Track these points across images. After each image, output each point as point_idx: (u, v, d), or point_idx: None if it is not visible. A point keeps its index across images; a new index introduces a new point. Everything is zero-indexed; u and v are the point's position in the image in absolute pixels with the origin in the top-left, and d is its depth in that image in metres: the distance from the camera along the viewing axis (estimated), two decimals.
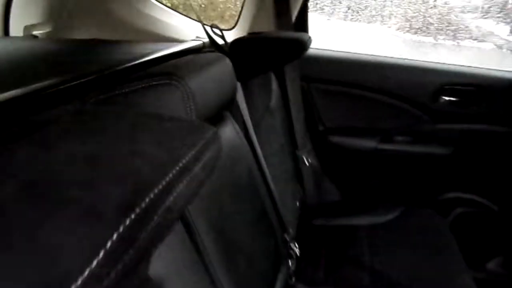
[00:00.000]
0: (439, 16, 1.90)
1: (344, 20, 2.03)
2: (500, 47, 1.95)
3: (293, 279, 1.00)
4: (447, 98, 1.39)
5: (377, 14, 2.05)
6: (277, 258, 0.93)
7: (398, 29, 2.14)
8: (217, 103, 0.71)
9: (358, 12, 1.99)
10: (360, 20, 2.02)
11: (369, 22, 2.05)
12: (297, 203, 1.26)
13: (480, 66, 1.42)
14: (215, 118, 0.76)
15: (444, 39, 1.94)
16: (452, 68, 1.42)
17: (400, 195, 1.52)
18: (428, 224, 1.30)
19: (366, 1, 2.01)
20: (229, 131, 0.81)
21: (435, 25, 1.95)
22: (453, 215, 1.50)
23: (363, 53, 1.47)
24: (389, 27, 2.21)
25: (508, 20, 1.88)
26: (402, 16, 2.10)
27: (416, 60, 1.44)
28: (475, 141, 1.41)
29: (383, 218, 1.32)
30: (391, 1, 2.03)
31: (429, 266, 1.10)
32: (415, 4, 1.98)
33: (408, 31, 2.05)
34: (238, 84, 0.88)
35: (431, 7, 1.97)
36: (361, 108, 1.45)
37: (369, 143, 1.47)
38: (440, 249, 1.16)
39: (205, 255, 0.62)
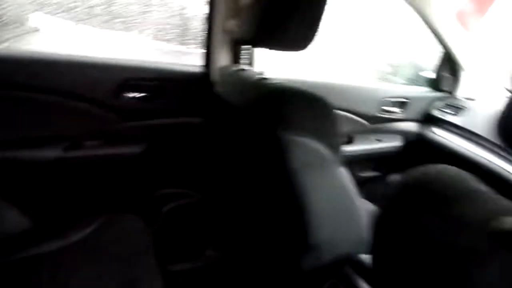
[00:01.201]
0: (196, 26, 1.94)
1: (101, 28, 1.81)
2: None
3: None
4: (131, 95, 1.33)
5: (133, 24, 1.91)
6: None
7: (154, 38, 2.07)
8: None
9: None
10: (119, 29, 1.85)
11: (127, 31, 1.89)
12: None
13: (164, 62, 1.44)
14: None
15: (196, 47, 1.97)
16: (134, 63, 1.37)
17: (100, 204, 1.39)
18: (127, 232, 1.21)
19: (125, 11, 1.84)
20: None
21: (189, 35, 2.00)
22: (164, 212, 1.49)
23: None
24: (147, 36, 2.07)
25: None
26: (157, 26, 2.02)
27: (94, 57, 1.31)
28: (168, 135, 1.42)
29: (76, 236, 1.15)
30: (144, 12, 1.93)
31: (116, 281, 1.00)
32: (172, 17, 1.94)
33: (167, 40, 2.02)
34: None
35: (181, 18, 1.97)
36: (32, 114, 1.22)
37: (51, 153, 1.26)
38: (131, 258, 1.09)
39: None
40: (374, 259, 0.55)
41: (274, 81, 0.97)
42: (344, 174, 0.94)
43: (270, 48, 0.92)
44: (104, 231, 1.19)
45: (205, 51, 1.38)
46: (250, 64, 1.35)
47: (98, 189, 1.38)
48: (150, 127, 1.38)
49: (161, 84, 1.36)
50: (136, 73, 1.33)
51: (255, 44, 0.96)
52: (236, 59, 1.35)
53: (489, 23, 1.82)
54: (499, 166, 1.51)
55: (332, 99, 0.89)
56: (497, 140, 1.54)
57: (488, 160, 1.56)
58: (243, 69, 1.17)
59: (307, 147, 0.86)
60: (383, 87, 1.83)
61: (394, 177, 2.00)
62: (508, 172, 1.48)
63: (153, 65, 1.37)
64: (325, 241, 0.94)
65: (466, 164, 1.64)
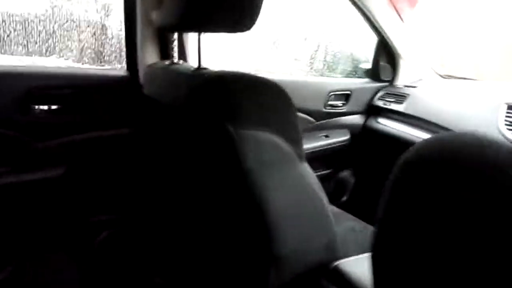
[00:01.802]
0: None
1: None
2: None
3: None
4: (42, 107, 1.11)
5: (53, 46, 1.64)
6: None
7: (74, 61, 1.82)
8: None
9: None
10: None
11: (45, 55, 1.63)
12: None
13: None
14: None
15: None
16: (42, 69, 1.15)
17: (16, 244, 1.13)
18: (50, 273, 0.98)
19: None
20: None
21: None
22: (97, 244, 1.26)
23: None
24: (66, 59, 1.83)
25: None
26: (79, 49, 1.77)
27: None
28: (91, 153, 1.20)
29: None
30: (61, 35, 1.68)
31: None
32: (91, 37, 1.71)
33: (85, 62, 1.77)
34: None
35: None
36: None
37: None
38: None
39: None
40: (385, 260, 0.42)
41: (214, 71, 0.82)
42: (308, 171, 0.82)
43: (204, 31, 0.77)
44: (20, 276, 0.95)
45: (127, 50, 1.19)
46: (183, 58, 1.19)
47: (9, 225, 1.12)
48: (69, 145, 1.16)
49: (79, 92, 1.15)
50: (45, 80, 1.10)
51: (186, 28, 0.81)
52: (165, 53, 1.18)
53: (422, 10, 1.85)
54: None
55: None
56: (441, 123, 1.53)
57: None
58: (175, 63, 1.00)
59: (263, 142, 0.72)
60: (327, 80, 1.77)
61: (345, 174, 1.94)
62: None
63: (66, 71, 1.16)
64: (293, 251, 0.80)
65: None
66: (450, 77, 1.86)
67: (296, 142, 0.77)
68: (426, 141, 0.42)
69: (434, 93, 1.67)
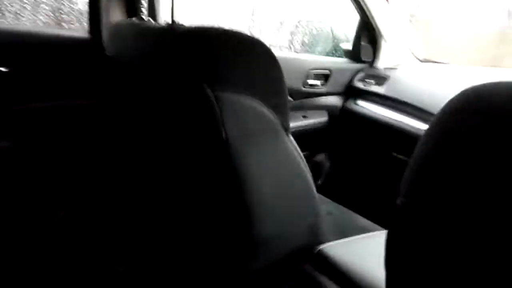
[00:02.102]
0: None
1: None
2: None
3: None
4: None
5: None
6: None
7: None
8: None
9: None
10: None
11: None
12: None
13: None
14: None
15: None
16: None
17: None
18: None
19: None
20: None
21: None
22: (50, 228, 1.13)
23: None
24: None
25: None
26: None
27: None
28: (45, 126, 1.06)
29: None
30: None
31: None
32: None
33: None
34: None
35: None
36: None
37: None
38: None
39: None
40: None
41: (190, 26, 0.71)
42: (294, 146, 0.73)
43: None
44: None
45: (90, 8, 1.05)
46: (153, 16, 1.06)
47: None
48: (19, 115, 1.01)
49: (31, 54, 1.00)
50: None
51: None
52: (133, 11, 1.04)
53: None
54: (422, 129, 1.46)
55: None
56: (421, 105, 1.49)
57: (414, 126, 1.51)
58: (144, 20, 0.88)
59: (245, 108, 0.63)
60: (307, 58, 1.69)
61: (321, 157, 1.88)
62: None
63: (16, 28, 1.01)
64: (275, 233, 0.72)
65: (393, 132, 1.58)
66: (428, 61, 1.82)
67: (283, 112, 0.69)
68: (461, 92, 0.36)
69: (414, 76, 1.63)
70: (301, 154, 0.76)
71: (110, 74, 0.92)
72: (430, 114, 1.45)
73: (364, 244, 0.82)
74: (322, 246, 0.76)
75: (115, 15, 1.03)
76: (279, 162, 0.69)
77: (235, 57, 0.62)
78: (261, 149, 0.66)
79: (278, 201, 0.71)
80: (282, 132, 0.68)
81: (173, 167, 0.77)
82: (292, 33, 1.86)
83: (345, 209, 1.39)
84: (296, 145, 0.73)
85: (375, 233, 0.88)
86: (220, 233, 0.73)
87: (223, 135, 0.61)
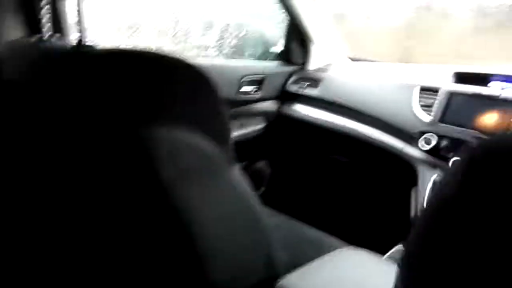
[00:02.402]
0: None
1: None
2: None
3: None
4: None
5: None
6: None
7: None
8: None
9: None
10: None
11: None
12: None
13: None
14: None
15: None
16: None
17: None
18: None
19: None
20: None
21: None
22: None
23: None
24: None
25: None
26: None
27: None
28: None
29: None
30: None
31: None
32: None
33: None
34: None
35: None
36: None
37: None
38: None
39: None
40: None
41: (103, 48, 0.59)
42: (239, 177, 0.65)
43: None
44: None
45: None
46: (60, 32, 0.90)
47: None
48: None
49: None
50: None
51: None
52: (34, 26, 0.87)
53: None
54: (363, 132, 1.47)
55: None
56: (354, 106, 1.50)
57: (350, 127, 1.51)
58: (46, 39, 0.74)
59: (184, 144, 0.53)
60: (239, 64, 1.61)
61: (261, 164, 1.82)
62: (372, 137, 1.44)
63: None
64: (228, 276, 0.64)
65: (330, 134, 1.57)
66: (359, 59, 1.85)
67: (223, 142, 0.60)
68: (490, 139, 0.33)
69: (347, 77, 1.63)
70: (247, 182, 0.68)
71: (6, 101, 0.76)
72: (363, 114, 1.47)
73: (323, 269, 0.77)
74: (281, 281, 0.69)
75: (12, 32, 0.85)
76: (224, 199, 0.61)
77: (163, 84, 0.52)
78: (204, 188, 0.57)
79: (227, 241, 0.62)
80: (226, 165, 0.60)
81: (105, 216, 0.64)
82: (221, 37, 1.77)
83: (291, 221, 1.35)
84: (240, 174, 0.66)
85: (330, 254, 0.84)
86: (168, 284, 0.63)
87: (161, 176, 0.51)
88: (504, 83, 1.25)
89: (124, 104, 0.49)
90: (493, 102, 1.17)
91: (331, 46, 1.76)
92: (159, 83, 0.51)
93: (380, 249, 1.25)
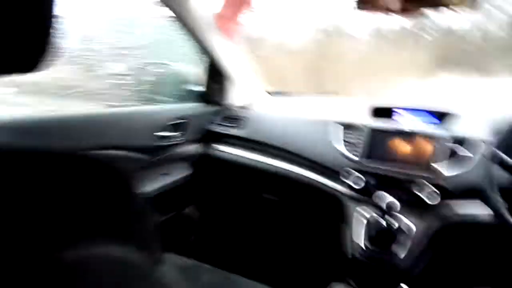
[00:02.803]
0: None
1: None
2: None
3: None
4: None
5: None
6: None
7: None
8: None
9: None
10: None
11: None
12: None
13: None
14: None
15: None
16: None
17: None
18: None
19: None
20: None
21: None
22: None
23: None
24: None
25: None
26: None
27: None
28: None
29: None
30: None
31: None
32: None
33: None
34: None
35: None
36: None
37: None
38: None
39: None
40: None
41: None
42: (167, 279, 0.57)
43: None
44: None
45: None
46: None
47: None
48: None
49: None
50: None
51: None
52: None
53: (246, 27, 1.77)
54: (291, 170, 1.46)
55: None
56: (280, 144, 1.49)
57: (276, 165, 1.50)
58: None
59: (101, 259, 0.44)
60: (157, 109, 1.52)
61: (189, 211, 1.73)
62: (300, 174, 1.44)
63: None
64: None
65: (258, 174, 1.55)
66: (278, 93, 1.86)
67: (145, 244, 0.51)
68: None
69: (270, 114, 1.63)
70: (178, 274, 0.60)
71: None
72: (289, 152, 1.46)
73: None
74: None
75: None
76: None
77: (77, 194, 0.42)
78: None
79: None
80: (151, 274, 0.52)
81: None
82: (136, 79, 1.66)
83: (226, 275, 1.28)
84: (172, 271, 0.57)
85: None
86: None
87: None
88: (415, 116, 1.34)
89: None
90: (411, 137, 1.24)
91: (251, 83, 1.75)
92: (67, 191, 0.41)
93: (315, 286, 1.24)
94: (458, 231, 1.16)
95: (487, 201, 0.94)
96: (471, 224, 1.12)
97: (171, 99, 1.72)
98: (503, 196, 0.93)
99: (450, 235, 1.17)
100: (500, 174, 0.98)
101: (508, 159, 0.96)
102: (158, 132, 1.42)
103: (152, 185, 1.38)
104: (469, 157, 1.14)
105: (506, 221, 0.88)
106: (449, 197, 1.13)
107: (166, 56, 1.77)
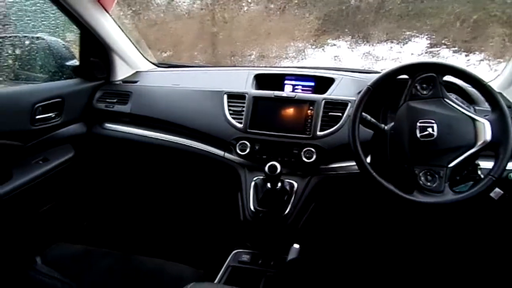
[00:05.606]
0: None
1: None
2: None
3: None
4: None
5: None
6: None
7: None
8: None
9: None
10: None
11: None
12: None
13: None
14: None
15: None
16: None
17: None
18: None
19: None
20: None
21: None
22: None
23: None
24: None
25: None
26: None
27: None
28: None
29: None
30: None
31: None
32: None
33: None
34: None
35: None
36: None
37: None
38: None
39: None
40: None
41: None
42: None
43: None
44: None
45: None
46: None
47: None
48: None
49: None
50: None
51: None
52: None
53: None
54: (184, 143, 1.45)
55: None
56: (170, 118, 1.46)
57: (166, 139, 1.47)
58: None
59: None
60: (28, 89, 1.36)
61: (77, 198, 1.64)
62: (193, 147, 1.44)
63: None
64: None
65: (149, 149, 1.51)
66: (165, 65, 1.80)
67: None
68: None
69: (156, 88, 1.57)
70: None
71: None
72: (180, 126, 1.45)
73: None
74: None
75: None
76: None
77: None
78: None
79: None
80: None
81: None
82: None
83: (126, 256, 1.26)
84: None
85: None
86: None
87: None
88: (295, 82, 1.42)
89: None
90: (289, 102, 1.31)
91: (134, 54, 1.66)
92: None
93: (220, 255, 1.29)
94: (333, 183, 1.29)
95: (352, 154, 1.05)
96: (343, 176, 1.25)
97: (43, 76, 1.56)
98: (365, 148, 1.05)
99: (326, 187, 1.29)
100: (362, 130, 1.10)
101: (368, 116, 1.08)
102: (32, 113, 1.29)
103: (27, 174, 1.27)
104: (339, 117, 1.25)
105: (367, 171, 1.00)
106: (324, 154, 1.24)
107: (35, 28, 1.59)
